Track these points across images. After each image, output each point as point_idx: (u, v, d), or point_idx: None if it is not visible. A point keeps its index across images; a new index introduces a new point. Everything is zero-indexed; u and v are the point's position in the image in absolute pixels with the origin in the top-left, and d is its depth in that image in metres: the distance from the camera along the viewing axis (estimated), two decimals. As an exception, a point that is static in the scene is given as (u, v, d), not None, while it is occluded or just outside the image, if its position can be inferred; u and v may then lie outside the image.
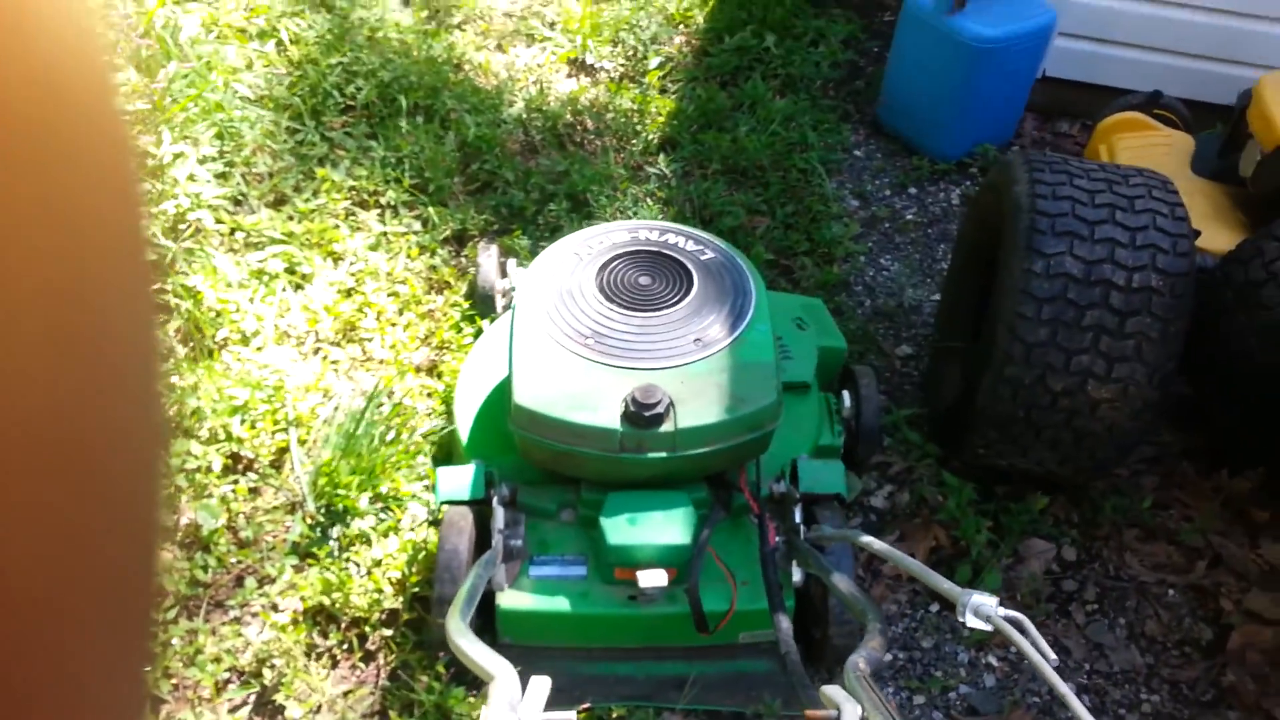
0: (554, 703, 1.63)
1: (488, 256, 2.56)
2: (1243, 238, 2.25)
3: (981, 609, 1.22)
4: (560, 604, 1.82)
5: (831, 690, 1.20)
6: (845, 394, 2.22)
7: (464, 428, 2.10)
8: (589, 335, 1.84)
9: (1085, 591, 2.08)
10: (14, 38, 0.18)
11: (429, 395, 2.40)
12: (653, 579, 1.75)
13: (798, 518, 1.88)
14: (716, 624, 1.81)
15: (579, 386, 1.78)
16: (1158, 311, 1.89)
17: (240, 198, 2.85)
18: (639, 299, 1.92)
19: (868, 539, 1.61)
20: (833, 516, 1.88)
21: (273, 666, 1.83)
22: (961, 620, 1.21)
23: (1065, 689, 1.09)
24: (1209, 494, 2.20)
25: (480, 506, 1.89)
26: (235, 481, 2.16)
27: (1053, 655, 1.12)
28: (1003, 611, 1.21)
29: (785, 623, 1.69)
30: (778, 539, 1.86)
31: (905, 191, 3.19)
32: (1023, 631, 1.17)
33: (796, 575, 1.86)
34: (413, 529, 2.09)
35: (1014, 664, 1.97)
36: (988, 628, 1.21)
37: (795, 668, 1.56)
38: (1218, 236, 2.38)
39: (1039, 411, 1.98)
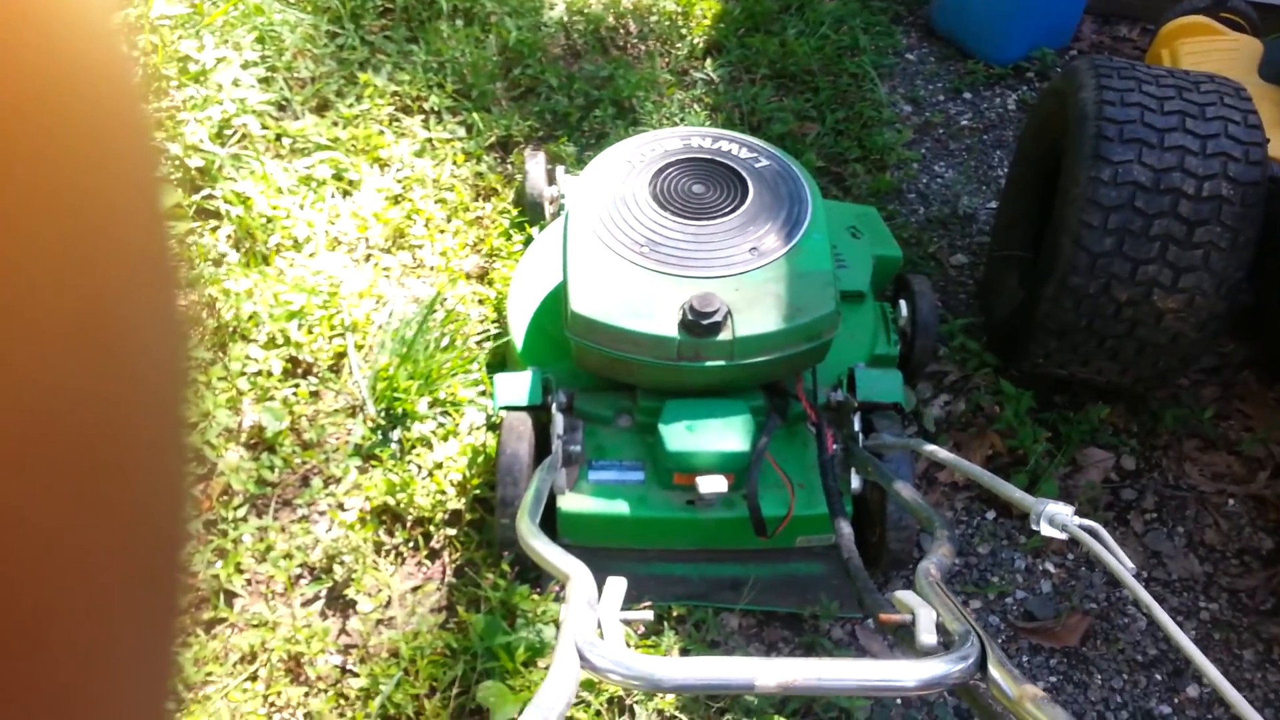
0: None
1: (535, 163, 2.53)
2: (1314, 144, 2.19)
3: (1057, 517, 1.21)
4: (620, 507, 1.84)
5: (904, 595, 1.20)
6: (902, 303, 2.21)
7: (518, 335, 2.10)
8: (644, 244, 1.83)
9: (1144, 500, 2.08)
10: (28, 28, 0.17)
11: (481, 302, 2.39)
12: (712, 485, 1.76)
13: (856, 425, 1.88)
14: (774, 528, 1.82)
15: (636, 294, 1.77)
16: (1227, 221, 1.85)
17: (284, 103, 2.81)
18: (693, 207, 1.90)
19: (931, 447, 1.61)
20: (890, 426, 1.88)
21: (342, 563, 1.87)
22: (1035, 528, 1.20)
23: (1146, 596, 1.09)
24: (1271, 404, 2.18)
25: (538, 412, 1.90)
26: (296, 385, 2.18)
27: (1131, 564, 1.12)
28: (1078, 520, 1.21)
29: (846, 528, 1.70)
30: (835, 446, 1.86)
31: (960, 96, 3.12)
32: (1099, 540, 1.16)
33: (855, 482, 1.87)
34: (471, 433, 2.11)
35: (1071, 570, 1.98)
36: (1063, 536, 1.20)
37: (859, 573, 1.58)
38: (1288, 144, 2.32)
39: (1102, 321, 1.96)
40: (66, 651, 0.19)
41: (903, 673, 1.01)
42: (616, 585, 1.18)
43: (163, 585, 0.23)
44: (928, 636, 1.12)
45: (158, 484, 0.22)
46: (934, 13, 3.30)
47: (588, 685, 1.69)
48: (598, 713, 1.68)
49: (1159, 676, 1.82)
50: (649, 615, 1.12)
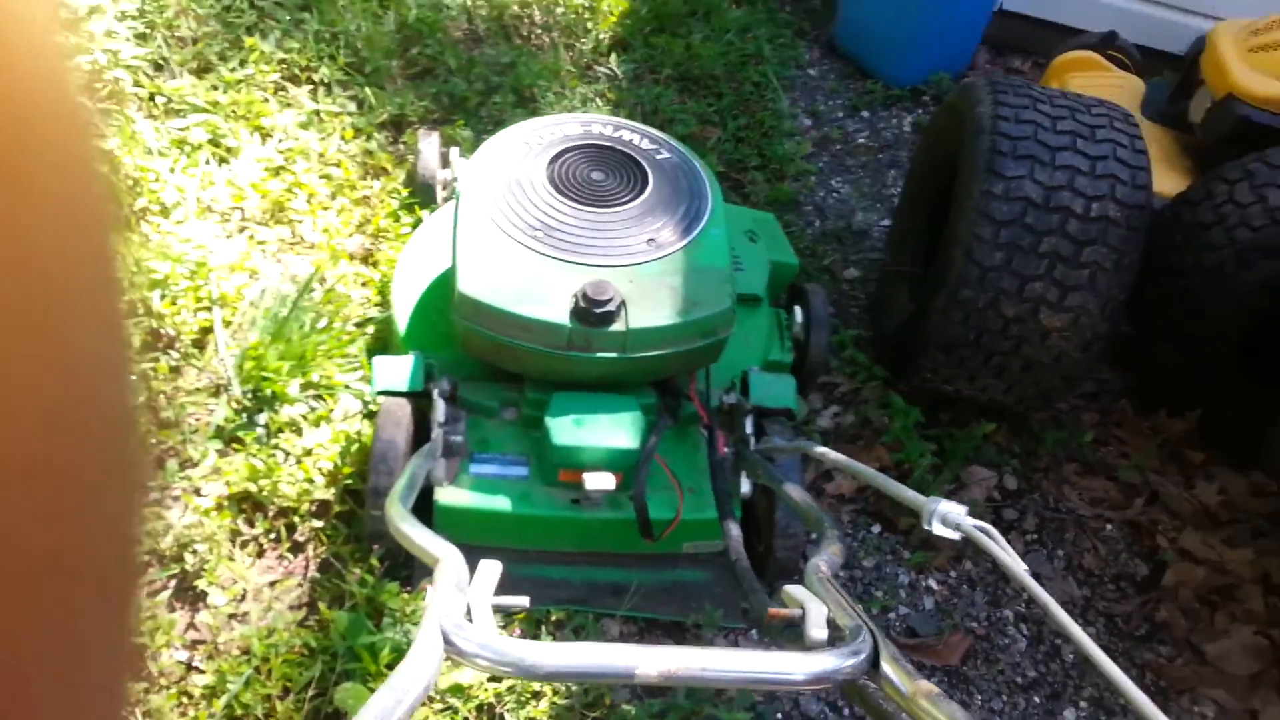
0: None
1: (429, 144, 2.42)
2: (1189, 182, 2.27)
3: (950, 516, 1.18)
4: (501, 503, 1.75)
5: (794, 589, 1.15)
6: (797, 309, 2.19)
7: (402, 318, 2.00)
8: (538, 228, 1.75)
9: (1025, 521, 2.10)
10: None
11: (364, 284, 2.27)
12: (600, 482, 1.69)
13: (748, 429, 1.85)
14: (661, 531, 1.76)
15: (527, 279, 1.69)
16: (1113, 242, 1.89)
17: (161, 62, 2.63)
18: (591, 194, 1.83)
19: (822, 449, 1.57)
20: (782, 431, 1.85)
21: (195, 552, 1.72)
22: (927, 528, 1.16)
23: (1043, 594, 1.07)
24: (1147, 433, 2.24)
25: (418, 399, 1.80)
26: (155, 359, 2.01)
27: (1023, 565, 1.10)
28: (972, 521, 1.18)
29: (735, 529, 1.65)
30: (726, 449, 1.82)
31: (858, 114, 3.14)
32: (993, 540, 1.14)
33: (745, 487, 1.83)
34: (345, 420, 1.98)
35: (953, 588, 1.98)
36: (955, 535, 1.17)
37: (746, 574, 1.53)
38: (1166, 180, 2.40)
39: (990, 336, 1.97)
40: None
41: (791, 665, 0.96)
42: (490, 569, 1.10)
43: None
44: (818, 631, 1.07)
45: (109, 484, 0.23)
46: (837, 30, 3.33)
47: (455, 690, 1.59)
48: (465, 719, 1.58)
49: (1038, 699, 1.83)
50: (524, 602, 1.04)
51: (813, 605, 1.10)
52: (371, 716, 0.77)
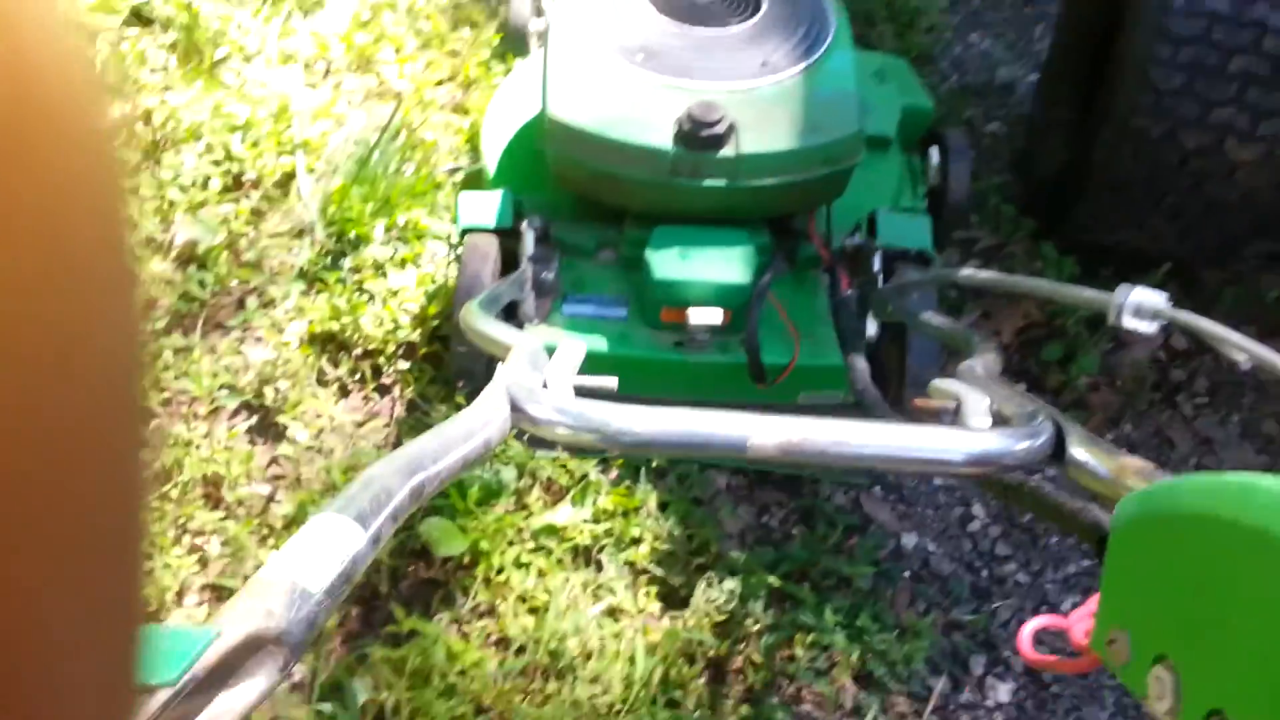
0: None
1: (520, -9, 2.25)
2: None
3: (1146, 305, 0.95)
4: (597, 343, 1.58)
5: (946, 382, 0.94)
6: (933, 151, 1.94)
7: (492, 159, 1.84)
8: (638, 49, 1.58)
9: (1195, 384, 1.84)
10: None
11: (454, 132, 2.12)
12: (705, 316, 1.52)
13: (876, 266, 1.63)
14: (775, 377, 1.57)
15: (626, 100, 1.53)
16: None
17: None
18: (699, 12, 1.67)
19: (968, 270, 1.35)
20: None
21: (277, 389, 1.60)
22: (1114, 323, 0.94)
23: (1265, 351, 0.84)
24: (1346, 292, 1.94)
25: (507, 238, 1.64)
26: (236, 201, 1.91)
27: (1236, 334, 0.87)
28: (1173, 309, 0.95)
29: (861, 362, 1.45)
30: (851, 290, 1.61)
31: (998, -34, 2.84)
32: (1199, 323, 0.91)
33: (871, 329, 1.62)
34: (432, 264, 1.84)
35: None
36: (1151, 329, 0.95)
37: (876, 402, 1.32)
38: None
39: (1165, 174, 1.71)
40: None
41: (951, 443, 0.75)
42: (573, 346, 0.93)
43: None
44: (979, 420, 0.86)
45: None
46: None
47: (549, 531, 1.44)
48: (559, 560, 1.43)
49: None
50: (612, 383, 0.87)
51: (971, 395, 0.89)
52: (406, 457, 0.63)
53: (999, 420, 0.86)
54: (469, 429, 0.69)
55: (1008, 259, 1.99)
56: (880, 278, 1.63)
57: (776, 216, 1.68)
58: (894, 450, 0.75)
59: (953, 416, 0.88)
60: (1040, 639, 0.66)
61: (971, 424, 0.86)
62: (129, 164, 0.20)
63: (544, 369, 0.86)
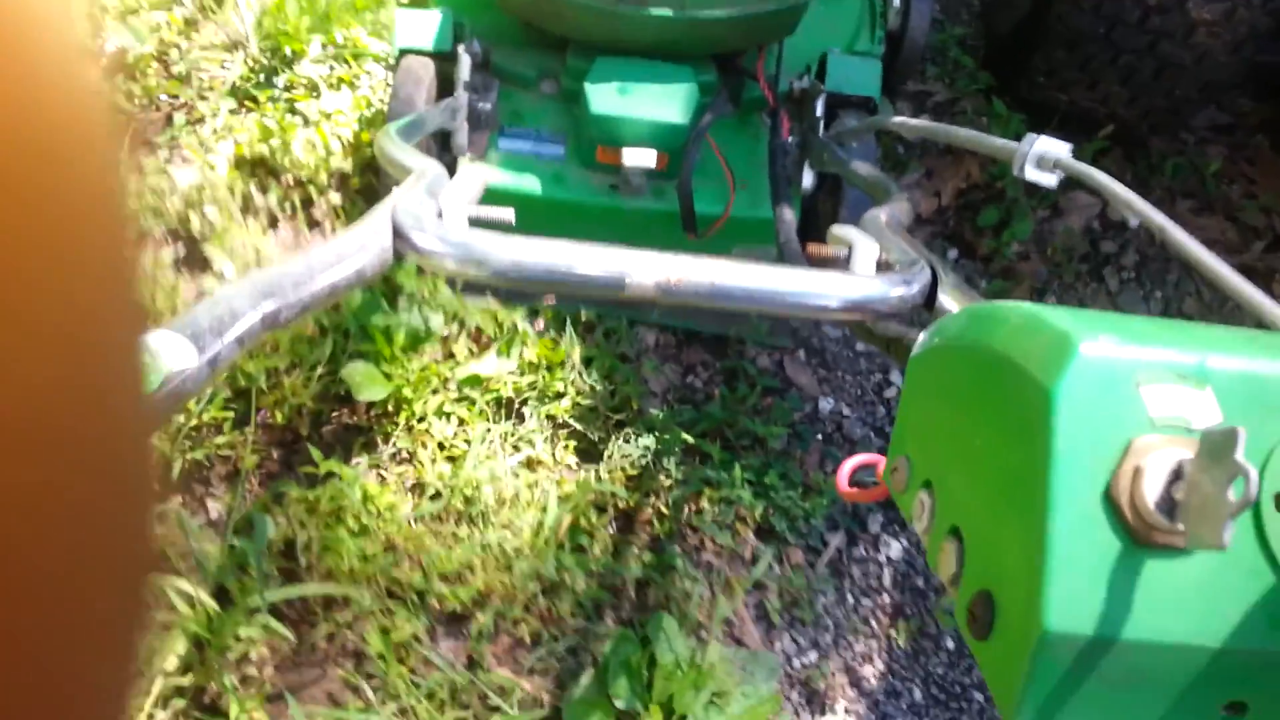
0: (513, 290, 1.43)
1: None
2: None
3: (1049, 154, 0.93)
4: (529, 183, 1.56)
5: (843, 229, 0.95)
6: (894, -8, 1.86)
7: (436, -28, 1.74)
8: None
9: (1124, 256, 1.86)
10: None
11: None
12: (639, 158, 1.48)
13: (819, 113, 1.59)
14: (707, 228, 1.57)
15: None
16: None
17: None
18: None
19: (899, 119, 1.32)
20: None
21: (204, 215, 1.58)
22: (1018, 174, 0.93)
23: (1159, 216, 0.85)
24: (1282, 170, 1.94)
25: (445, 62, 1.57)
26: (169, 8, 1.81)
27: (1132, 193, 0.88)
28: (1075, 161, 0.94)
29: (789, 213, 1.44)
30: (791, 136, 1.58)
31: None
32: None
33: (807, 180, 1.59)
34: (370, 88, 1.78)
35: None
36: (1051, 181, 0.94)
37: (795, 257, 1.33)
38: None
39: (1122, 31, 1.66)
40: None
41: (828, 287, 0.77)
42: (472, 172, 0.91)
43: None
44: (865, 267, 0.88)
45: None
46: None
47: (472, 381, 1.48)
48: (481, 411, 1.47)
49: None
50: (508, 215, 0.86)
51: (863, 242, 0.90)
52: (262, 280, 0.61)
53: (883, 268, 0.88)
54: (340, 253, 0.68)
55: (960, 115, 1.95)
56: (821, 124, 1.60)
57: (725, 53, 1.62)
58: (771, 293, 0.77)
59: (845, 262, 0.91)
60: (858, 476, 0.70)
61: (857, 270, 0.88)
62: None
63: (440, 197, 0.85)
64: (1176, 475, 0.39)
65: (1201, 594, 0.40)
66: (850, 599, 1.50)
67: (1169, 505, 0.39)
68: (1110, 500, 0.40)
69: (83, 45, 0.20)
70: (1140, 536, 0.39)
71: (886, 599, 1.51)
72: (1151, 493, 0.39)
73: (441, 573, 1.36)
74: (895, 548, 1.53)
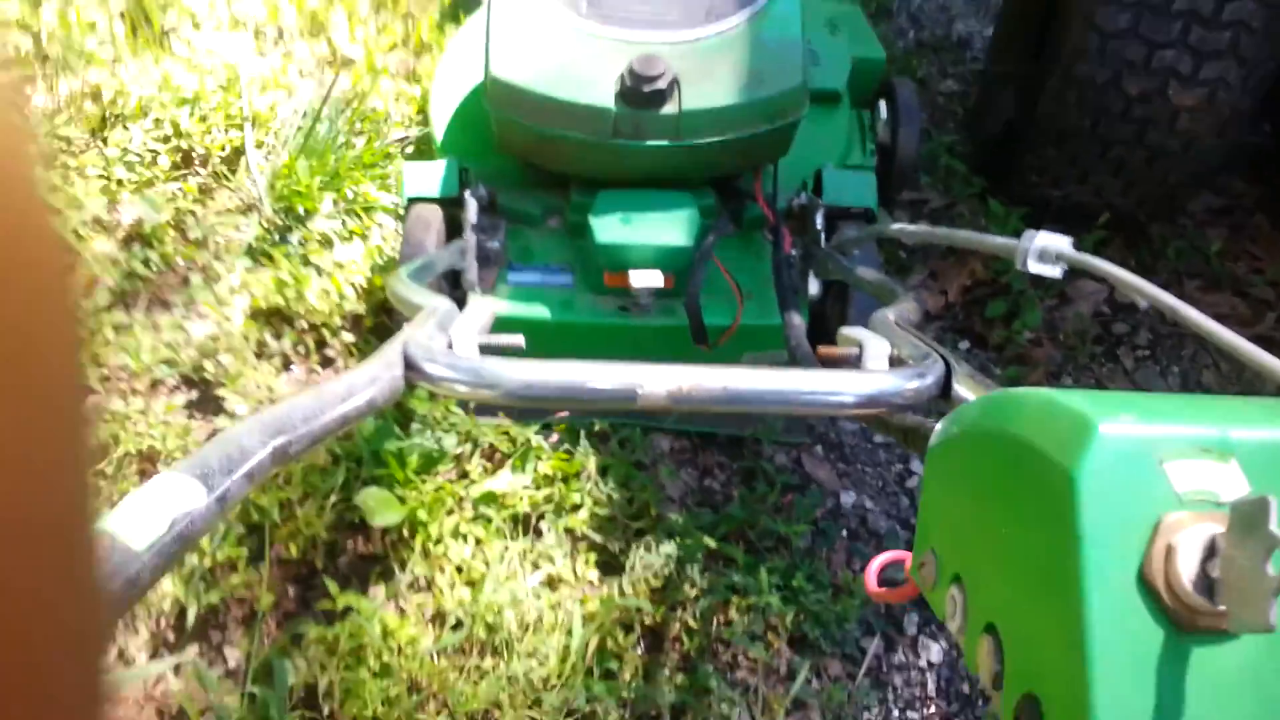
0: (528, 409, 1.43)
1: (470, -54, 2.22)
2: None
3: (1050, 248, 0.94)
4: (540, 311, 1.59)
5: (852, 330, 0.95)
6: (882, 105, 1.93)
7: (439, 126, 1.82)
8: None
9: (1137, 336, 1.85)
10: None
11: (405, 101, 2.11)
12: (647, 279, 1.51)
13: (819, 225, 1.63)
14: (717, 339, 1.58)
15: (567, 57, 1.50)
16: None
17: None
18: None
19: (899, 225, 1.35)
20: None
21: (218, 363, 1.61)
22: (1021, 268, 0.94)
23: (1168, 297, 0.84)
24: (1288, 246, 1.95)
25: (452, 207, 1.64)
26: (183, 177, 1.90)
27: (1139, 278, 0.87)
28: (1076, 252, 0.95)
29: (797, 319, 1.45)
30: (794, 250, 1.61)
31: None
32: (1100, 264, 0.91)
33: (813, 288, 1.62)
34: (382, 238, 1.84)
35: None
36: (1055, 272, 0.95)
37: (806, 356, 1.33)
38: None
39: (1109, 121, 1.70)
40: None
41: (842, 384, 0.76)
42: (480, 305, 0.93)
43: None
44: (877, 363, 0.88)
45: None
46: None
47: (488, 499, 1.46)
48: (498, 529, 1.45)
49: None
50: (519, 340, 0.87)
51: (873, 340, 0.90)
52: (271, 416, 0.62)
53: (896, 364, 0.88)
54: (351, 387, 0.68)
55: (957, 218, 1.99)
56: (823, 235, 1.64)
57: (722, 176, 1.67)
58: (786, 393, 0.76)
59: (856, 362, 0.90)
60: (887, 574, 0.67)
61: (869, 367, 0.88)
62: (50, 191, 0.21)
63: (451, 329, 0.87)
64: (1210, 551, 0.37)
65: (1254, 681, 0.38)
66: (895, 712, 1.42)
67: (1207, 584, 0.37)
68: (1146, 583, 0.38)
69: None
70: (1182, 621, 0.38)
71: (933, 709, 1.43)
72: (1187, 572, 0.37)
73: (468, 712, 1.31)
74: (935, 650, 1.47)
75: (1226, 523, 0.36)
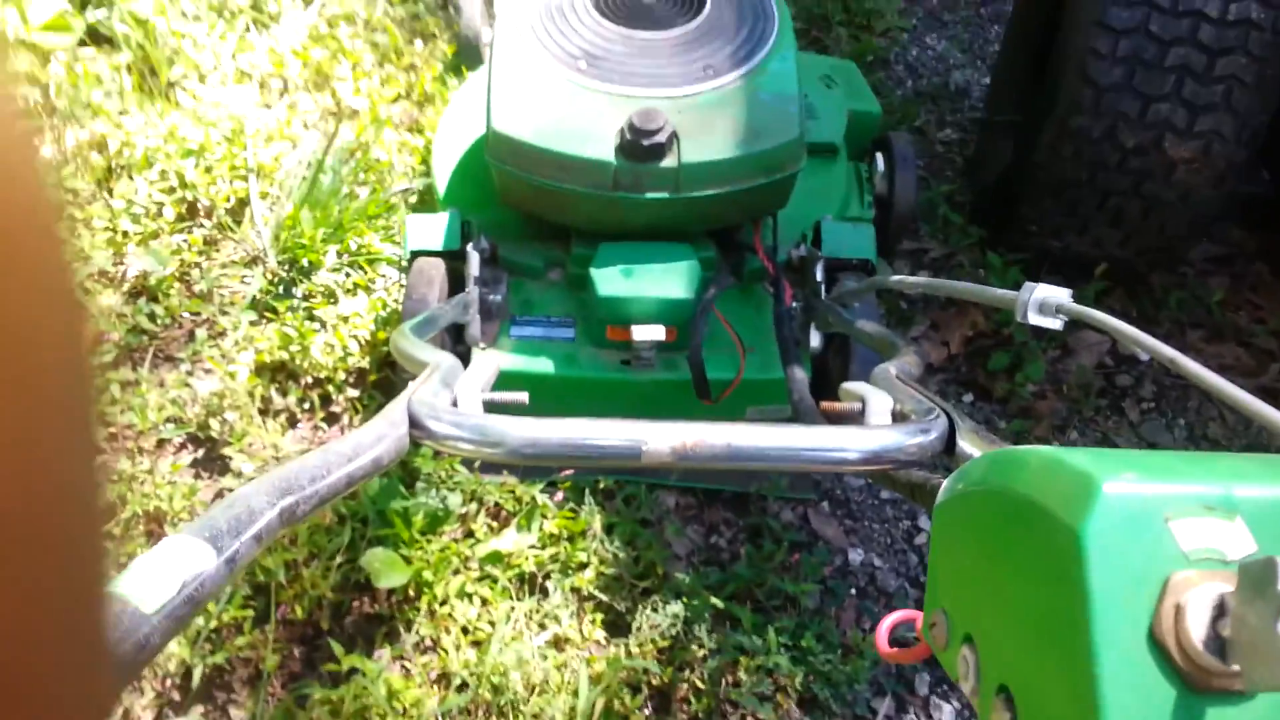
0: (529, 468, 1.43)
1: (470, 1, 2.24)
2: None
3: (1049, 300, 0.95)
4: (543, 365, 1.60)
5: (855, 385, 0.95)
6: (879, 158, 1.95)
7: (441, 179, 1.84)
8: (580, 55, 1.58)
9: (1141, 388, 1.85)
10: None
11: (408, 152, 2.12)
12: (648, 333, 1.52)
13: (819, 277, 1.64)
14: (720, 393, 1.58)
15: (567, 112, 1.52)
16: (1255, 50, 1.60)
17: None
18: (640, 15, 1.65)
19: (898, 277, 1.35)
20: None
21: (224, 420, 1.61)
22: (1021, 321, 0.94)
23: (1169, 350, 0.84)
24: (1288, 295, 1.96)
25: (455, 260, 1.65)
26: (188, 230, 1.91)
27: (1140, 331, 0.88)
28: (1077, 305, 0.95)
29: (800, 372, 1.45)
30: (794, 302, 1.62)
31: (956, -34, 2.84)
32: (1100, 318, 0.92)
33: (815, 341, 1.63)
34: (385, 290, 1.85)
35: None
36: (1056, 324, 0.95)
37: (810, 412, 1.33)
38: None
39: (1105, 174, 1.72)
40: None
41: (845, 441, 0.76)
42: (485, 361, 0.94)
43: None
44: (880, 419, 0.88)
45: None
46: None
47: (494, 559, 1.46)
48: (504, 589, 1.45)
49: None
50: (523, 398, 0.87)
51: (876, 395, 0.90)
52: (278, 477, 0.61)
53: (899, 419, 0.88)
54: (357, 447, 0.68)
55: (956, 269, 2.00)
56: (823, 287, 1.64)
57: (722, 229, 1.68)
58: (790, 450, 0.76)
59: (859, 417, 0.90)
60: (898, 633, 0.66)
61: (873, 423, 0.88)
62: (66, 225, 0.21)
63: (455, 386, 0.87)
64: (1220, 611, 0.37)
65: None
66: (907, 770, 1.41)
67: (1218, 644, 0.37)
68: (1156, 643, 0.38)
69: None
70: (1195, 682, 0.37)
71: (946, 768, 1.42)
72: (1197, 631, 0.37)
73: (473, 776, 1.30)
74: (947, 710, 1.46)
75: (1234, 582, 0.36)
